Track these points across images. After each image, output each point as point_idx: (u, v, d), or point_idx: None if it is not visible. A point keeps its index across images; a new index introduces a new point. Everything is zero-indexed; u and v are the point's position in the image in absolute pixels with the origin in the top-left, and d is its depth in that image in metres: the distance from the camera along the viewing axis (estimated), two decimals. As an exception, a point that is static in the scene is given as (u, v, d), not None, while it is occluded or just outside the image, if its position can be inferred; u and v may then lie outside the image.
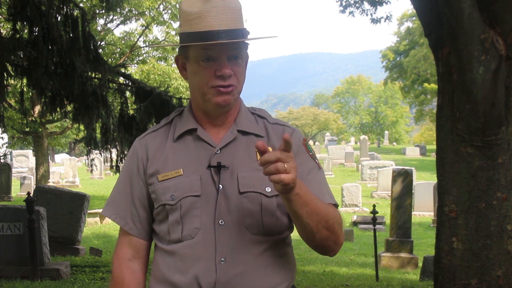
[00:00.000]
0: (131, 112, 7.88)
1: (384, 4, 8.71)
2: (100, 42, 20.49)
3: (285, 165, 1.29)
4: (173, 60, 23.60)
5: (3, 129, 8.29)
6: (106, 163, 23.84)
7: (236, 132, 1.57)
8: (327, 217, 1.46)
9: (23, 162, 28.78)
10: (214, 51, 1.47)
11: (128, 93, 8.37)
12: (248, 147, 1.55)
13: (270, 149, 1.33)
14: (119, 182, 1.66)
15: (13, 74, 7.05)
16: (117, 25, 22.76)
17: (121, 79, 8.28)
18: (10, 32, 7.13)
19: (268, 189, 1.50)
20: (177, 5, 21.33)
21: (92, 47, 6.94)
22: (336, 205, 1.57)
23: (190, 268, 1.47)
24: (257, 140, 1.50)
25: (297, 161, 1.47)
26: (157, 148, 1.59)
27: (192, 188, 1.49)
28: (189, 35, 1.48)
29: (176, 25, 22.59)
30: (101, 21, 22.19)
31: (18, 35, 6.49)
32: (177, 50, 1.70)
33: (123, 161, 8.17)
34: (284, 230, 1.55)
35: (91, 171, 25.20)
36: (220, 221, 1.48)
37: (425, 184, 14.36)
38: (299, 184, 1.37)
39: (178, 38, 1.59)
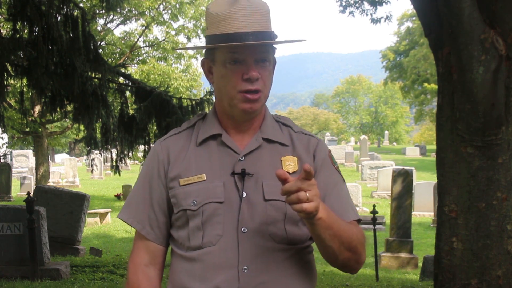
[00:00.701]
0: (131, 112, 7.88)
1: (384, 4, 8.70)
2: (100, 42, 20.49)
3: (307, 194, 1.28)
4: (173, 60, 23.75)
5: (3, 129, 8.28)
6: (106, 163, 23.84)
7: (261, 140, 1.54)
8: (350, 238, 1.45)
9: (23, 162, 28.78)
10: (241, 54, 1.44)
11: (128, 93, 8.37)
12: (273, 155, 1.53)
13: (290, 178, 1.31)
14: (138, 185, 1.60)
15: (13, 74, 7.05)
16: (117, 25, 22.77)
17: (121, 79, 8.28)
18: (10, 32, 7.13)
19: None
20: (177, 5, 21.38)
21: (92, 47, 6.94)
22: (359, 220, 1.56)
23: (211, 276, 1.44)
24: (282, 150, 1.52)
25: (322, 174, 1.51)
26: (179, 151, 1.55)
27: (215, 194, 1.46)
28: (216, 37, 1.45)
29: (176, 25, 22.62)
30: (101, 21, 22.21)
31: (18, 35, 6.49)
32: (203, 53, 1.66)
33: (123, 161, 8.19)
34: (306, 239, 1.53)
35: (91, 171, 25.19)
36: (243, 229, 1.45)
37: (425, 184, 14.36)
38: (322, 208, 1.36)
39: (204, 41, 1.55)
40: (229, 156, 1.51)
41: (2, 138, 19.07)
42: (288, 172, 1.50)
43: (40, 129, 19.98)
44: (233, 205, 1.46)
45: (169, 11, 22.06)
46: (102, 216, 13.87)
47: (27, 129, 20.08)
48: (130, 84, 8.09)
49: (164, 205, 1.55)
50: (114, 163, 8.39)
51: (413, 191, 11.60)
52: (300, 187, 1.28)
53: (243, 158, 1.51)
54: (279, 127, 1.60)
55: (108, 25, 22.60)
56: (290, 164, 1.52)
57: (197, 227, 1.47)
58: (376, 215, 6.82)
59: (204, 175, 1.49)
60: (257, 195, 1.47)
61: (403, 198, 8.38)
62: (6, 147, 21.84)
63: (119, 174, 8.99)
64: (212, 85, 1.57)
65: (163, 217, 1.56)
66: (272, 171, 1.48)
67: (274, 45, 1.51)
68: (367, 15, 8.91)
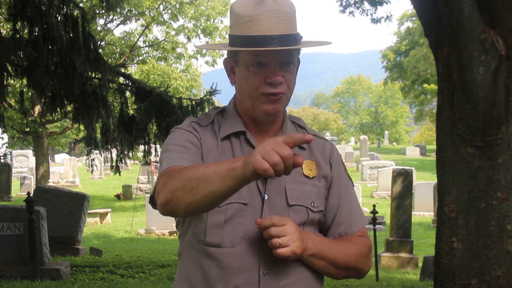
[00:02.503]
0: (131, 112, 7.88)
1: (384, 4, 8.71)
2: (100, 42, 20.49)
3: (279, 240, 1.33)
4: (173, 60, 23.75)
5: (3, 129, 8.29)
6: (106, 163, 23.85)
7: None
8: (347, 262, 1.48)
9: (23, 162, 28.77)
10: (265, 57, 1.42)
11: (128, 93, 8.38)
12: None
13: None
14: (173, 150, 1.47)
15: (13, 74, 7.05)
16: (117, 25, 22.79)
17: (121, 79, 8.28)
18: (10, 32, 7.14)
19: (313, 204, 1.50)
20: (177, 5, 21.38)
21: (92, 47, 6.94)
22: (366, 223, 1.58)
23: (230, 278, 1.42)
24: (300, 154, 1.47)
25: (336, 184, 1.54)
26: (209, 145, 1.51)
27: (240, 195, 1.42)
28: (240, 38, 1.42)
29: (176, 25, 22.62)
30: (101, 21, 22.22)
31: (18, 35, 6.49)
32: (220, 52, 1.60)
33: (123, 161, 8.19)
34: None
35: (91, 171, 25.21)
36: None
37: (425, 184, 14.36)
38: (312, 244, 1.41)
39: (228, 39, 1.52)
40: None
41: (2, 138, 19.08)
42: (307, 176, 1.51)
43: (40, 129, 19.98)
44: (256, 208, 1.45)
45: (169, 11, 22.07)
46: (102, 216, 13.87)
47: (27, 129, 20.09)
48: (130, 84, 8.09)
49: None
50: (114, 163, 8.39)
51: (413, 191, 11.60)
52: (272, 234, 1.33)
53: None
54: (295, 128, 1.60)
55: (108, 25, 22.63)
56: (310, 168, 1.53)
57: (218, 224, 1.44)
58: (376, 215, 6.82)
59: None
60: (280, 199, 1.46)
61: (403, 198, 8.38)
62: (6, 147, 21.85)
63: (119, 174, 9.00)
64: (233, 84, 1.55)
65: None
66: (294, 176, 1.47)
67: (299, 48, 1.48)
68: (367, 15, 8.92)
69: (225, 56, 1.58)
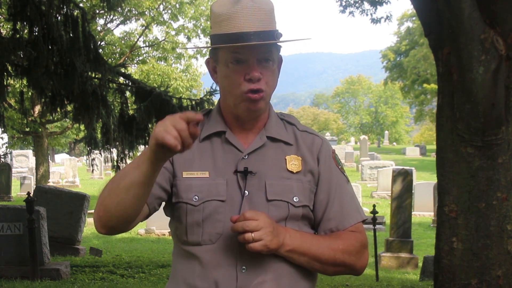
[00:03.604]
0: (131, 112, 7.88)
1: (384, 4, 8.71)
2: (100, 42, 20.49)
3: (252, 235, 1.35)
4: (173, 60, 23.75)
5: (3, 129, 8.29)
6: (106, 163, 23.83)
7: (265, 139, 1.54)
8: (333, 258, 1.48)
9: (23, 162, 28.78)
10: (243, 54, 1.44)
11: (128, 93, 8.37)
12: (277, 154, 1.53)
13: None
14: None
15: (13, 74, 7.05)
16: (117, 25, 22.79)
17: (121, 79, 8.28)
18: (10, 32, 7.13)
19: (296, 199, 1.49)
20: (177, 5, 21.39)
21: (92, 47, 6.93)
22: (361, 219, 1.57)
23: (210, 274, 1.44)
24: (286, 149, 1.53)
25: (325, 178, 1.54)
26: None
27: (218, 192, 1.46)
28: (219, 37, 1.45)
29: (176, 25, 22.62)
30: (101, 21, 22.22)
31: (18, 35, 6.49)
32: (207, 53, 1.65)
33: (124, 161, 8.18)
34: None
35: (92, 171, 25.20)
36: None
37: (425, 184, 14.36)
38: (294, 238, 1.42)
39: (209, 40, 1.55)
40: (232, 154, 1.51)
41: (2, 138, 19.08)
42: (291, 171, 1.51)
43: (40, 129, 19.99)
44: (234, 204, 1.46)
45: (169, 11, 22.07)
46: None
47: (27, 129, 20.09)
48: (130, 84, 8.09)
49: (167, 186, 1.50)
50: (115, 163, 8.39)
51: (413, 191, 11.60)
52: (245, 228, 1.35)
53: (247, 157, 1.50)
54: (283, 125, 1.60)
55: (108, 25, 22.62)
56: (294, 163, 1.53)
57: (196, 223, 1.46)
58: (376, 215, 6.82)
59: (208, 172, 1.49)
60: (260, 195, 1.47)
61: (403, 198, 8.38)
62: (6, 147, 21.84)
63: (121, 174, 8.95)
64: (217, 84, 1.56)
65: (162, 192, 1.50)
66: (276, 171, 1.49)
67: (278, 44, 1.49)
68: (367, 15, 8.93)
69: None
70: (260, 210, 1.44)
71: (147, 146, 1.30)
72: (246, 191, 1.47)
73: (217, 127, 1.55)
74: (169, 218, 1.59)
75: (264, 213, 1.40)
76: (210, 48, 1.54)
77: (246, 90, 1.45)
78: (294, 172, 1.51)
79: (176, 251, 1.56)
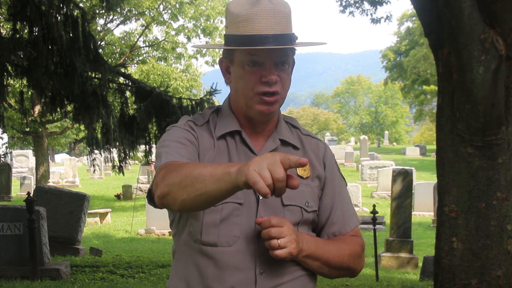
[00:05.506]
0: (132, 112, 7.88)
1: (384, 4, 8.71)
2: (100, 42, 20.49)
3: (279, 241, 1.35)
4: (173, 60, 23.74)
5: (3, 129, 8.29)
6: (106, 163, 23.82)
7: (278, 142, 1.54)
8: (340, 262, 1.50)
9: (23, 162, 28.77)
10: (260, 56, 1.42)
11: (128, 93, 8.37)
12: None
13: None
14: (171, 145, 1.46)
15: (13, 74, 7.05)
16: (117, 25, 22.79)
17: (121, 79, 8.28)
18: (10, 32, 7.14)
19: (308, 204, 1.51)
20: (177, 5, 21.38)
21: (92, 47, 6.94)
22: (358, 222, 1.60)
23: (227, 277, 1.43)
24: (294, 154, 1.51)
25: (330, 184, 1.56)
26: (206, 144, 1.51)
27: (235, 194, 1.40)
28: (235, 38, 1.43)
29: (176, 25, 22.61)
30: (101, 21, 22.22)
31: (18, 35, 6.49)
32: (221, 52, 1.63)
33: (125, 161, 8.18)
34: None
35: (93, 171, 25.20)
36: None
37: (425, 184, 14.37)
38: (307, 245, 1.43)
39: (223, 39, 1.53)
40: (246, 156, 1.50)
41: (2, 138, 19.06)
42: (301, 176, 1.52)
43: (40, 129, 19.99)
44: (251, 208, 1.46)
45: (169, 11, 22.06)
46: (102, 216, 13.87)
47: (27, 129, 20.09)
48: (130, 84, 8.09)
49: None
50: (116, 163, 8.38)
51: (413, 191, 11.60)
52: (271, 235, 1.34)
53: None
54: (289, 128, 1.61)
55: (108, 25, 22.62)
56: (303, 169, 1.53)
57: (213, 223, 1.44)
58: (376, 215, 6.82)
59: None
60: (275, 199, 1.46)
61: (403, 198, 8.38)
62: (6, 147, 21.84)
63: (123, 174, 8.95)
64: (228, 84, 1.55)
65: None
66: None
67: (294, 48, 1.48)
68: (367, 15, 8.92)
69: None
70: (274, 214, 1.44)
71: (232, 164, 1.23)
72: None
73: (232, 126, 1.53)
74: (169, 219, 1.58)
75: (287, 220, 1.40)
76: (223, 48, 1.52)
77: (261, 91, 1.44)
78: (304, 177, 1.52)
79: (182, 249, 1.52)
